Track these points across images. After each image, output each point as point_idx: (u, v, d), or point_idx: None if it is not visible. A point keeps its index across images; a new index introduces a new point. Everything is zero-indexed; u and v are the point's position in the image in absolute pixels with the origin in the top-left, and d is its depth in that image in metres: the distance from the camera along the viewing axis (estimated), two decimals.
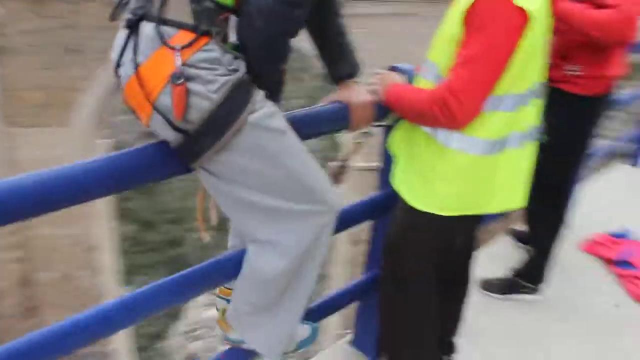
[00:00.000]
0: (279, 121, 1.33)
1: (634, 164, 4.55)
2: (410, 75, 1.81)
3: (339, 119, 1.66)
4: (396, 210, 1.77)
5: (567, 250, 2.96)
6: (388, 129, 1.90)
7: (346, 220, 1.70)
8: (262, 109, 1.28)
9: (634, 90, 4.41)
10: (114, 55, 1.27)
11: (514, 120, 1.57)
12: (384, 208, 1.97)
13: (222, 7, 1.23)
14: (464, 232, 1.81)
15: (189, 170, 1.33)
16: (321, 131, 1.67)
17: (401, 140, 1.75)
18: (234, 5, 1.24)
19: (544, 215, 2.64)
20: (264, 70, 1.31)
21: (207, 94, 1.19)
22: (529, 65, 1.51)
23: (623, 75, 2.46)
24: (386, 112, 1.76)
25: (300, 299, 1.53)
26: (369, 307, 2.15)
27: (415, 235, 1.71)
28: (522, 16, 1.39)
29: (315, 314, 1.86)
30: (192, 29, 1.19)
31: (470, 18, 1.42)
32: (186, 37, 1.19)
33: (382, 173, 2.01)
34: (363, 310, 2.25)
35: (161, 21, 1.19)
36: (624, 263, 2.96)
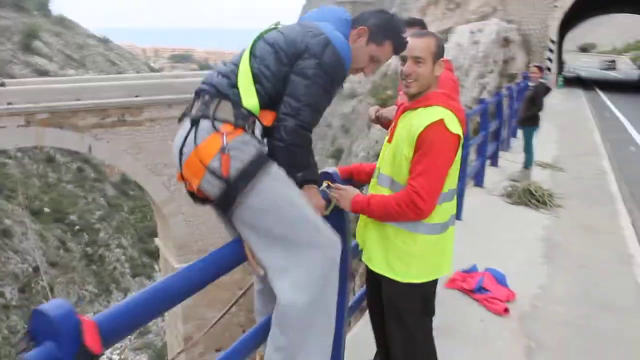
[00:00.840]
0: (287, 178, 1.98)
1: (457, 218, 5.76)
2: (336, 176, 2.52)
3: None
4: (386, 288, 2.35)
5: (437, 289, 3.82)
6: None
7: None
8: (275, 170, 1.94)
9: None
10: (177, 142, 1.95)
11: (452, 206, 2.31)
12: None
13: (252, 114, 1.95)
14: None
15: (245, 259, 1.92)
16: None
17: (370, 234, 2.37)
18: (259, 114, 1.97)
19: None
20: (285, 163, 1.99)
21: (240, 158, 1.87)
22: (456, 168, 2.27)
23: None
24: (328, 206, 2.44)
25: (322, 341, 2.04)
26: None
27: (407, 301, 2.31)
28: (457, 139, 2.16)
29: None
30: (233, 123, 1.90)
31: (420, 142, 2.12)
32: (229, 127, 1.90)
33: None
34: None
35: (214, 118, 1.90)
36: (480, 289, 3.91)
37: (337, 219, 2.53)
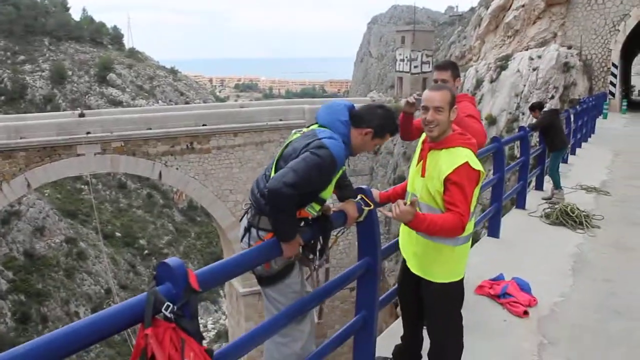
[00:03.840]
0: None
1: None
2: (368, 192, 3.17)
3: (343, 218, 2.98)
4: (426, 287, 3.00)
5: (467, 294, 4.35)
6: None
7: (341, 281, 3.03)
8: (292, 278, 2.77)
9: None
10: (240, 235, 2.80)
11: (472, 223, 2.92)
12: (365, 273, 3.24)
13: None
14: None
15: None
16: (338, 224, 2.98)
17: (415, 247, 3.02)
18: None
19: None
20: (271, 217, 2.63)
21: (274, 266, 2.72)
22: (478, 193, 2.87)
23: None
24: (361, 214, 3.09)
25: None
26: (362, 343, 3.30)
27: (446, 296, 2.97)
28: (480, 174, 2.78)
29: None
30: (272, 231, 2.63)
31: (453, 180, 2.70)
32: (269, 235, 2.63)
33: (360, 252, 3.28)
34: (358, 344, 3.37)
35: (258, 228, 2.67)
36: (504, 294, 4.43)
37: (369, 228, 3.21)
